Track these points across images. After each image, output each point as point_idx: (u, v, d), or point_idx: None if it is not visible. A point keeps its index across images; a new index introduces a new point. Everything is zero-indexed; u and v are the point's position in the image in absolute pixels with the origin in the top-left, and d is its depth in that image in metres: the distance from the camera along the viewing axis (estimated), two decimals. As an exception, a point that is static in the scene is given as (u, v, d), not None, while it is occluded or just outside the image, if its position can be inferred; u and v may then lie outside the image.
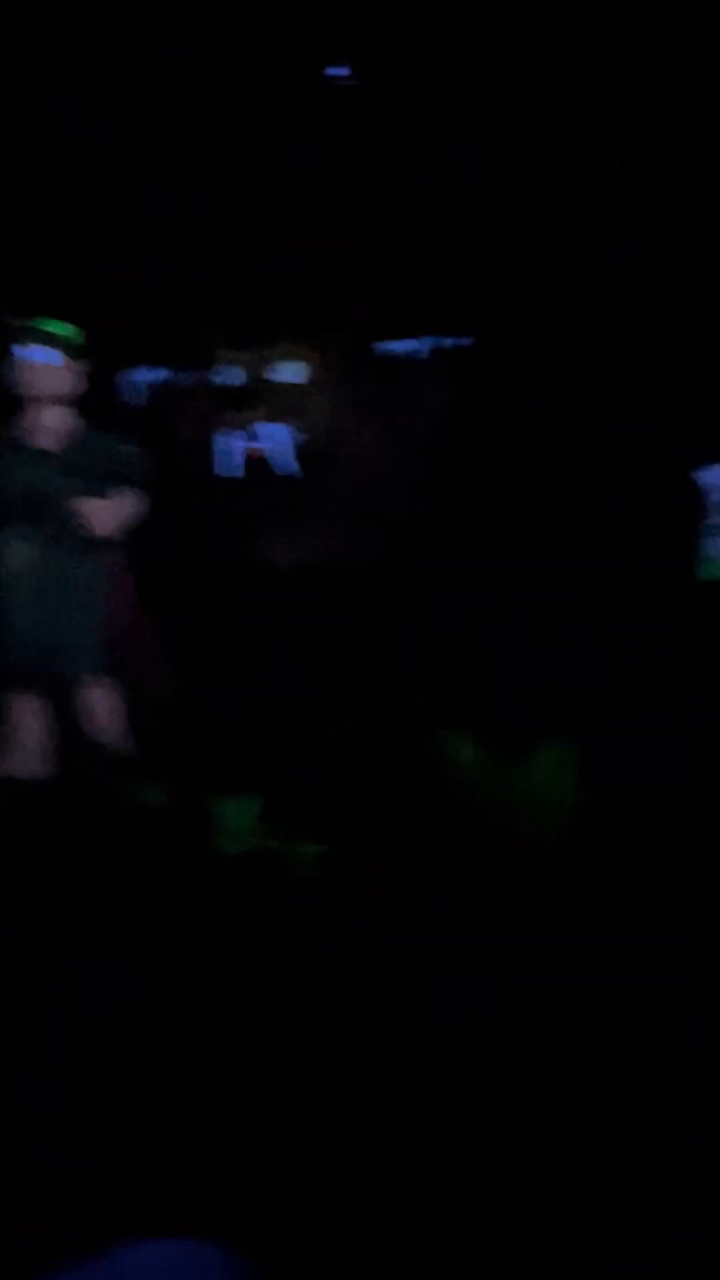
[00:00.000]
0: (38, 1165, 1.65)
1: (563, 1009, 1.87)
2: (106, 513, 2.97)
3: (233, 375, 3.13)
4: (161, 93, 3.52)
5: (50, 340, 3.07)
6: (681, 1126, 1.61)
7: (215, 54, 3.48)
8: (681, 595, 3.08)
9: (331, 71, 3.38)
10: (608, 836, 2.36)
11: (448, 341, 3.14)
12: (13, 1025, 1.94)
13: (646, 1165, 1.54)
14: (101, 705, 3.11)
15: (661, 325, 3.17)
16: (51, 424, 3.14)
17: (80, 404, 3.17)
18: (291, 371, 3.13)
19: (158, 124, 3.55)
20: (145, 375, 3.37)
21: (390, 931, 2.21)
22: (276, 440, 3.10)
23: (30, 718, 3.17)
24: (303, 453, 3.12)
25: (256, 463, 3.12)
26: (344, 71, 3.41)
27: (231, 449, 3.11)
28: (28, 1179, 1.62)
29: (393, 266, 3.57)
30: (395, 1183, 1.56)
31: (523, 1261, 1.41)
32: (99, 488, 3.03)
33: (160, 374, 3.36)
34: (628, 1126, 1.62)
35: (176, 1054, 1.89)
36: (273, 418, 3.11)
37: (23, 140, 3.56)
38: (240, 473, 3.13)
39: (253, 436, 3.11)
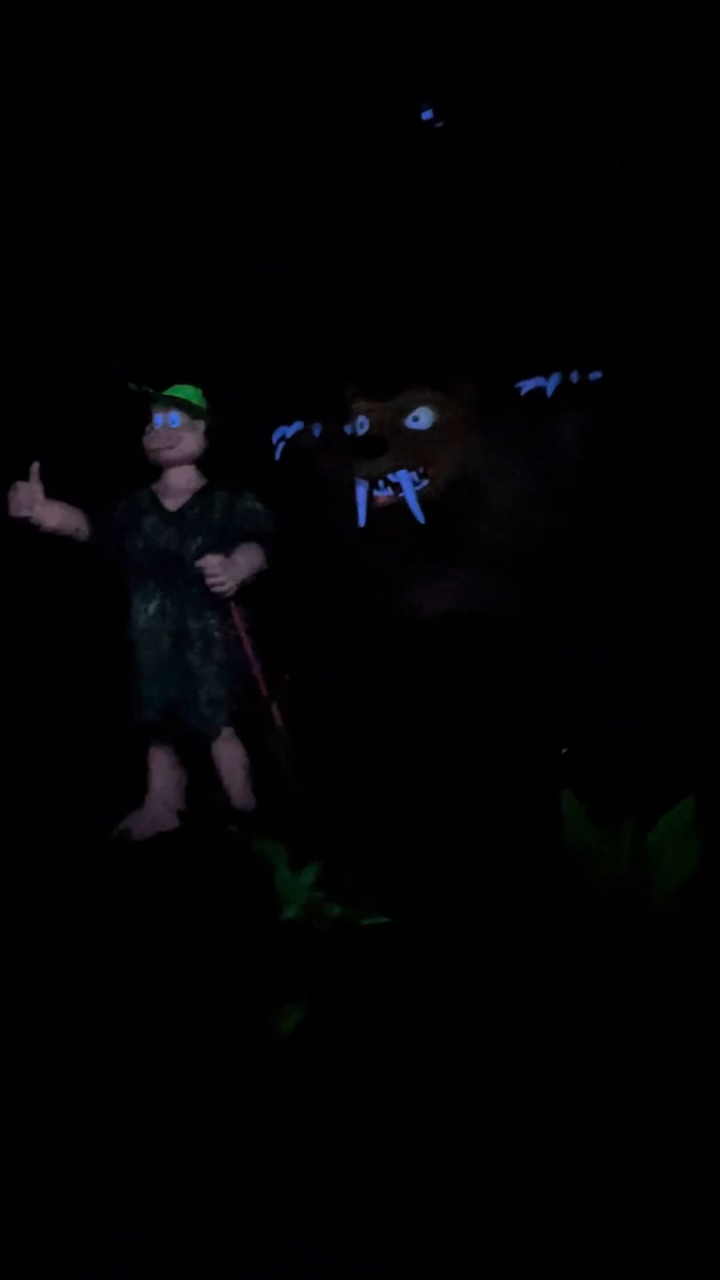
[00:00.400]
0: (38, 1165, 1.65)
1: (563, 1009, 1.88)
2: (230, 569, 3.01)
3: (360, 424, 3.08)
4: (161, 93, 3.51)
5: (172, 404, 3.13)
6: (682, 1126, 1.61)
7: (215, 54, 3.47)
8: None
9: (426, 115, 3.36)
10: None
11: (574, 376, 3.05)
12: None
13: (646, 1165, 1.54)
14: (228, 760, 3.13)
15: (661, 325, 3.17)
16: (177, 484, 3.19)
17: (208, 462, 3.21)
18: (417, 417, 3.07)
19: (158, 124, 3.54)
20: (279, 430, 3.36)
21: (390, 931, 2.21)
22: (402, 487, 3.01)
23: (160, 772, 3.20)
24: (428, 499, 3.02)
25: (383, 511, 3.06)
26: (429, 115, 3.40)
27: (359, 498, 3.07)
28: (28, 1179, 1.62)
29: (393, 266, 3.56)
30: (395, 1183, 1.56)
31: (523, 1261, 1.41)
32: (223, 544, 3.07)
33: (293, 427, 3.35)
34: (628, 1126, 1.62)
35: (176, 1053, 1.90)
36: (399, 465, 3.00)
37: (23, 140, 3.55)
38: (364, 522, 3.07)
39: (379, 484, 3.05)
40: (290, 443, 3.32)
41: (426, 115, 3.37)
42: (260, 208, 3.59)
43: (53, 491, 3.10)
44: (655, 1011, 1.86)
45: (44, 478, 3.08)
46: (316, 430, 3.31)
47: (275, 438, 3.34)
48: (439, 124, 3.38)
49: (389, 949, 2.15)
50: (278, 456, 3.33)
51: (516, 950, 2.06)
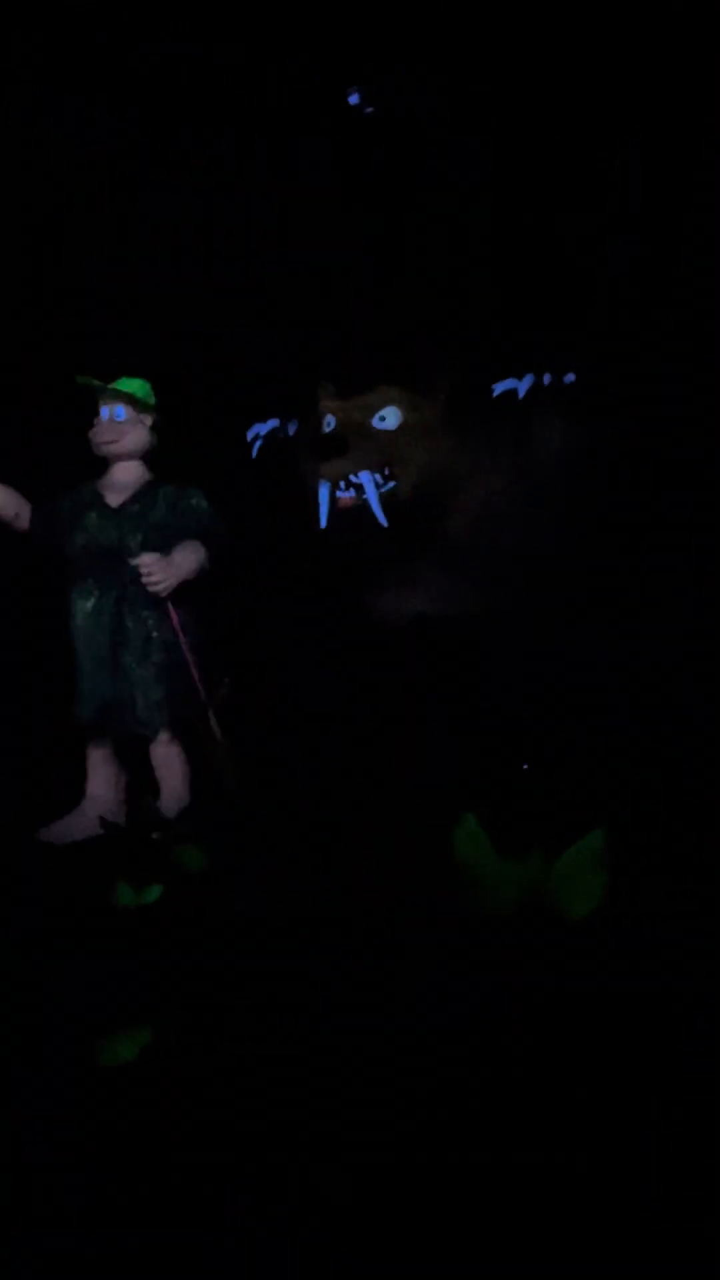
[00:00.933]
0: (38, 1165, 1.65)
1: (563, 1009, 1.88)
2: (167, 568, 2.94)
3: (327, 422, 2.99)
4: (161, 93, 3.51)
5: (118, 397, 3.09)
6: (682, 1128, 1.61)
7: (215, 54, 3.47)
8: None
9: (352, 99, 3.34)
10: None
11: (547, 378, 3.02)
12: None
13: (646, 1165, 1.55)
14: (165, 763, 3.07)
15: (661, 325, 3.17)
16: (121, 479, 3.14)
17: (157, 458, 3.17)
18: (384, 416, 3.01)
19: (158, 124, 3.54)
20: (254, 428, 3.32)
21: (390, 931, 2.21)
22: (365, 488, 2.93)
23: (97, 772, 3.15)
24: (395, 500, 2.95)
25: (347, 512, 2.96)
26: (354, 99, 3.37)
27: (321, 499, 3.00)
28: (28, 1179, 1.62)
29: (393, 266, 3.56)
30: (395, 1183, 1.56)
31: (523, 1261, 1.42)
32: (165, 542, 3.01)
33: (268, 425, 3.30)
34: (628, 1128, 1.62)
35: (177, 1053, 1.90)
36: (363, 465, 2.92)
37: (23, 140, 3.55)
38: (325, 523, 2.98)
39: (342, 485, 2.98)
40: (265, 440, 3.28)
41: (353, 99, 3.35)
42: (260, 208, 3.59)
43: None
44: (653, 1013, 1.86)
45: None
46: (291, 428, 3.26)
47: (250, 435, 3.30)
48: (367, 109, 3.36)
49: (388, 949, 2.15)
50: (254, 454, 3.29)
51: (515, 950, 2.06)
